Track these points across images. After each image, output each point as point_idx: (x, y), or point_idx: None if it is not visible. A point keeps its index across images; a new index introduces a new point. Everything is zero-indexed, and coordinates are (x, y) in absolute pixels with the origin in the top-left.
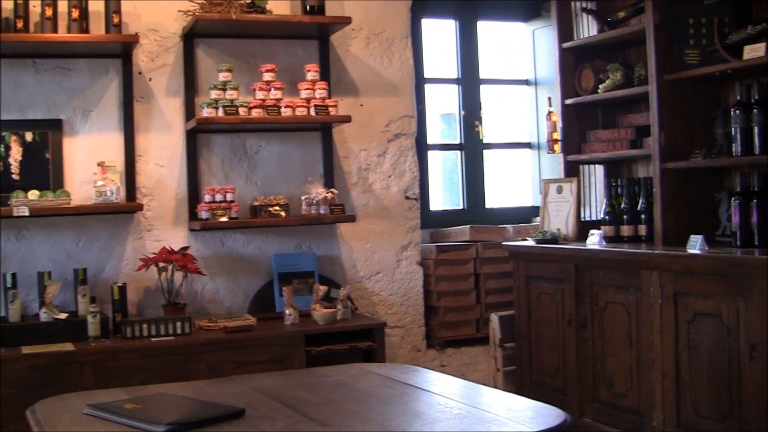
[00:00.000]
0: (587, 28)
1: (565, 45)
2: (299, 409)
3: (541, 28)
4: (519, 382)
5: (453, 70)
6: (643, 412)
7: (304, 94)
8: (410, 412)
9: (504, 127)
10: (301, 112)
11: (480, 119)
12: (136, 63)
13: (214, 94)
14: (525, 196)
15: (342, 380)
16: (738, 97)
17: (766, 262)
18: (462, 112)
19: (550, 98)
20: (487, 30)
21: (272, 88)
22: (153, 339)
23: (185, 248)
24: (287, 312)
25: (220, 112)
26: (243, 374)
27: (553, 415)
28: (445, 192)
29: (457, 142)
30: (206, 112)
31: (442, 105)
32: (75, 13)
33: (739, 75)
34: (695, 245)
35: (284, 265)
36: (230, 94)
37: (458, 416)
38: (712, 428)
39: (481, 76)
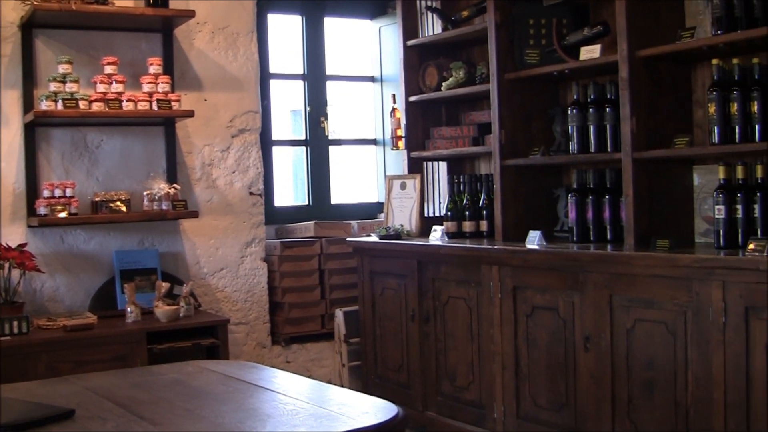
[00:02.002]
0: (432, 26)
1: (410, 42)
2: (131, 409)
3: (387, 26)
4: (364, 377)
5: (299, 66)
6: (484, 404)
7: (146, 87)
8: (243, 409)
9: (350, 124)
10: (143, 106)
11: (326, 115)
12: None
13: (53, 86)
14: (370, 193)
15: (177, 378)
16: (575, 97)
17: (599, 257)
18: (308, 108)
19: (394, 95)
20: (334, 26)
21: (114, 82)
22: None
23: (23, 245)
24: (129, 310)
25: (60, 105)
26: (79, 374)
27: (386, 409)
28: (295, 188)
29: (303, 138)
30: (45, 105)
31: (292, 101)
32: None
33: (576, 75)
34: (533, 240)
35: (126, 262)
36: (70, 86)
37: (291, 412)
38: (550, 418)
39: (327, 72)
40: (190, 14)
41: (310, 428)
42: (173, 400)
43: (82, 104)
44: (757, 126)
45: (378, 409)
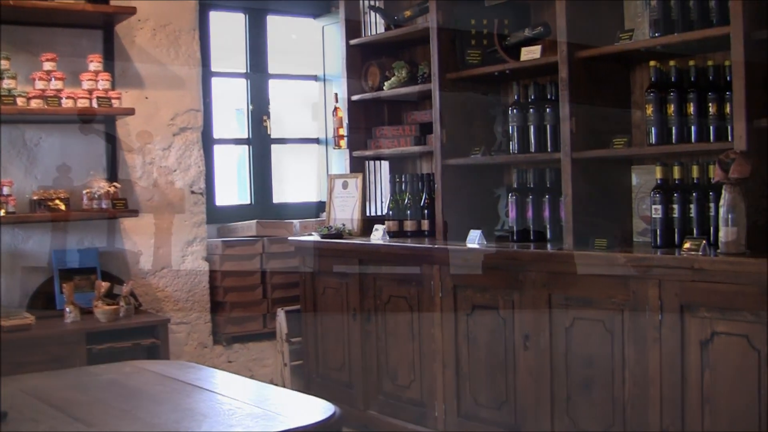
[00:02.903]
0: (375, 26)
1: (353, 42)
2: (66, 410)
3: (331, 25)
4: (306, 377)
5: (242, 64)
6: (425, 402)
7: (86, 85)
8: (180, 409)
9: (292, 123)
10: (83, 103)
11: (268, 114)
12: None
13: None
14: (312, 192)
15: (114, 379)
16: (516, 97)
17: (538, 256)
18: (250, 107)
19: (336, 94)
20: (277, 25)
21: (53, 78)
22: None
23: None
24: (68, 310)
25: None
26: (14, 375)
27: (323, 409)
28: (240, 187)
29: (245, 136)
30: None
31: (237, 99)
32: None
33: (517, 75)
34: (474, 240)
35: (65, 261)
36: (7, 83)
37: (228, 412)
38: (490, 416)
39: (270, 70)
40: (131, 11)
41: (246, 428)
42: (109, 401)
43: (20, 101)
44: (693, 127)
45: (315, 408)
